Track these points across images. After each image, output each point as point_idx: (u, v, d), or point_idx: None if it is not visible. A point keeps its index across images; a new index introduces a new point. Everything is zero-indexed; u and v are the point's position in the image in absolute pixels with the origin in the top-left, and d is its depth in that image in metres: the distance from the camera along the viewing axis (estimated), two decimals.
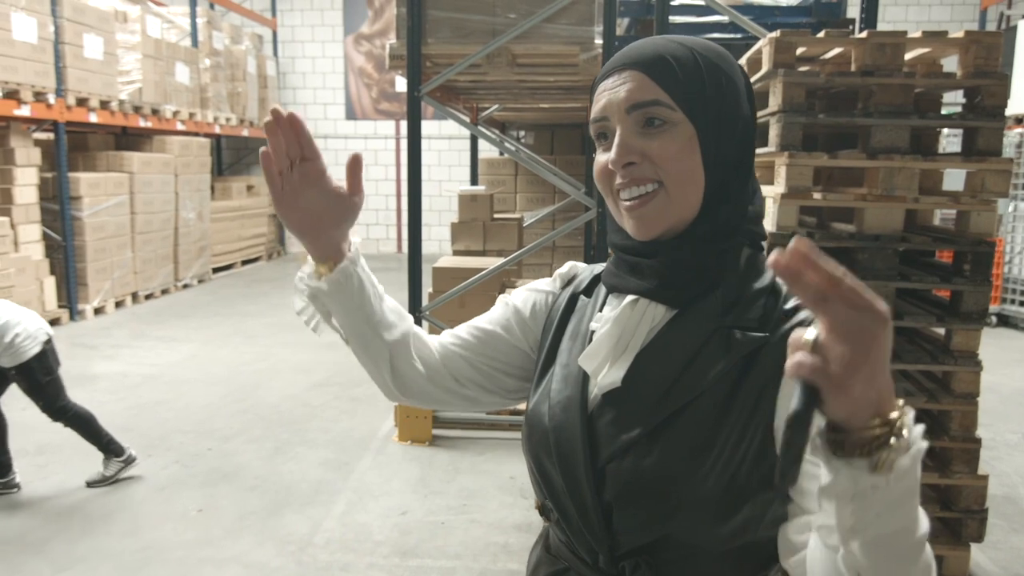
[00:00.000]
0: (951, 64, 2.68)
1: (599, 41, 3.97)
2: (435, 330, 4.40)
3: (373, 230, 12.73)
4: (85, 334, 6.75)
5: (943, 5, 11.64)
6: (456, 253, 5.41)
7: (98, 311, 7.54)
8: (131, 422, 4.47)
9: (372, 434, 4.36)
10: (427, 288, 4.48)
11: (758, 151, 2.82)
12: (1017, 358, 6.11)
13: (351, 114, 12.57)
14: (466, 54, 4.00)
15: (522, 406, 1.00)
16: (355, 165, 0.92)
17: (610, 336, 0.87)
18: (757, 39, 3.15)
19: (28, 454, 3.90)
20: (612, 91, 0.83)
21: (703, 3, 4.12)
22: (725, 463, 0.78)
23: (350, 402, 4.89)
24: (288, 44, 12.53)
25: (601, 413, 0.86)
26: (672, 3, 4.24)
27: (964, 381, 2.53)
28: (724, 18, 4.31)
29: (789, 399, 0.75)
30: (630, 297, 0.87)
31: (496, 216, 5.66)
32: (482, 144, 7.90)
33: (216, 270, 10.17)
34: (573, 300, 0.98)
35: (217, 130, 10.19)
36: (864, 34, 2.53)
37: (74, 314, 7.25)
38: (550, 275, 1.05)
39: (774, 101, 2.60)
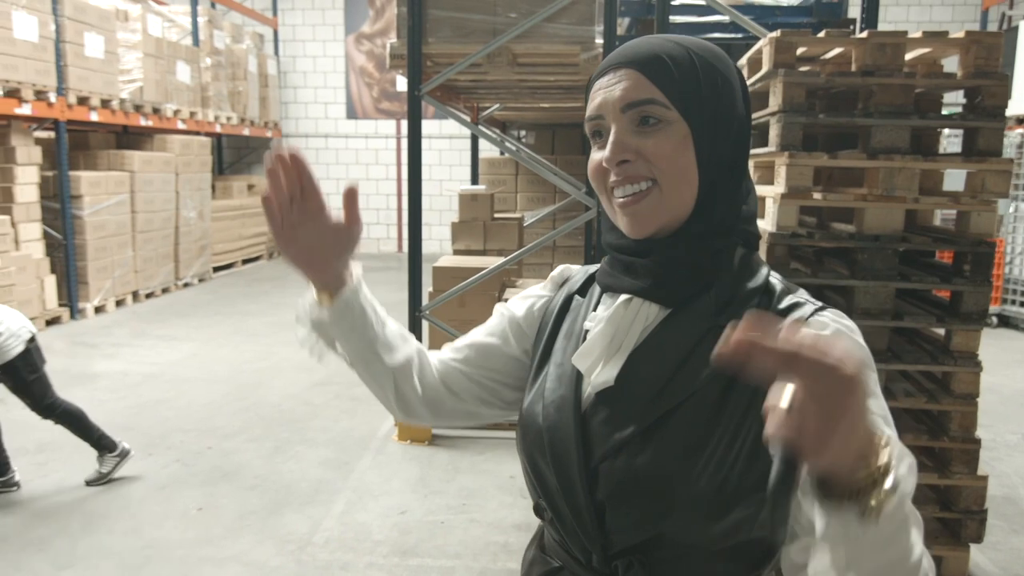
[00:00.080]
0: (952, 64, 2.68)
1: (600, 41, 3.98)
2: (435, 330, 4.41)
3: (374, 229, 12.73)
4: (86, 333, 6.76)
5: (944, 5, 11.63)
6: (456, 252, 5.41)
7: (99, 310, 7.55)
8: (132, 421, 4.48)
9: (372, 433, 4.36)
10: (427, 287, 4.48)
11: (758, 151, 2.82)
12: (1017, 359, 6.11)
13: (352, 113, 12.57)
14: (467, 53, 4.00)
15: None
16: (351, 197, 0.93)
17: (603, 335, 0.87)
18: (758, 39, 3.15)
19: (28, 452, 3.91)
20: (607, 89, 0.84)
21: (704, 3, 4.12)
22: (718, 463, 0.78)
23: (350, 401, 4.89)
24: (289, 43, 12.53)
25: (595, 412, 0.86)
26: (673, 3, 4.24)
27: (964, 382, 2.52)
28: (725, 18, 4.32)
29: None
30: (624, 296, 0.87)
31: (496, 216, 5.66)
32: (483, 144, 7.91)
33: (217, 269, 10.17)
34: (568, 300, 0.98)
35: (218, 129, 10.19)
36: (864, 34, 2.53)
37: (75, 313, 7.25)
38: (550, 274, 1.06)
39: (774, 101, 2.60)
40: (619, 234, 0.87)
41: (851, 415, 0.54)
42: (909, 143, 2.50)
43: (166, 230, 8.70)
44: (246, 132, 11.12)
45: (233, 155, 12.89)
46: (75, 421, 3.56)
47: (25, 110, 6.50)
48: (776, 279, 0.88)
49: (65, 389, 5.01)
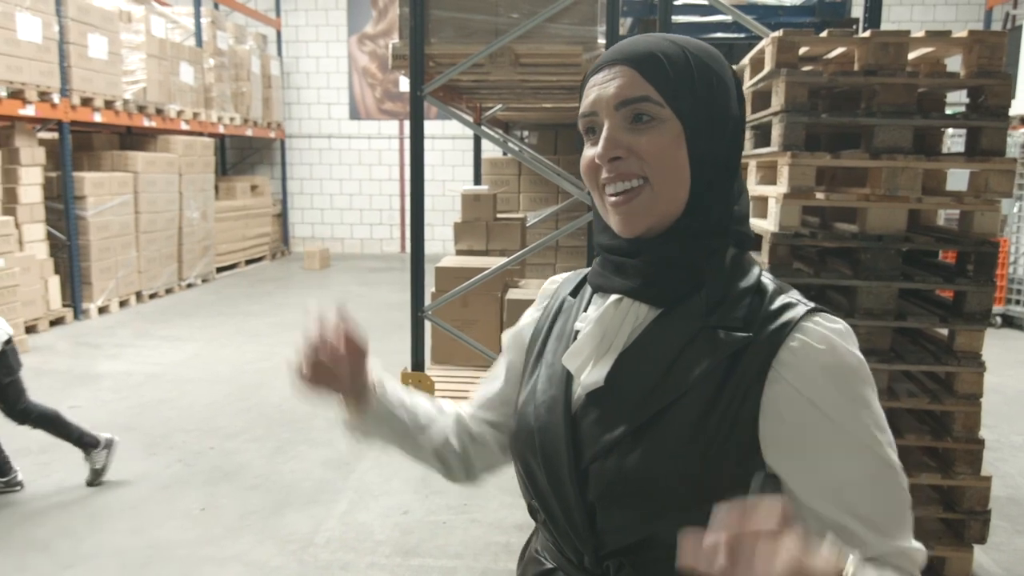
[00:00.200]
0: (955, 64, 2.67)
1: (602, 41, 3.98)
2: (437, 330, 4.41)
3: (377, 230, 12.74)
4: (89, 333, 6.77)
5: (948, 5, 11.60)
6: (459, 253, 5.41)
7: (102, 310, 7.56)
8: (134, 421, 4.48)
9: None
10: (430, 288, 4.48)
11: (761, 151, 2.81)
12: (1021, 359, 6.09)
13: (355, 114, 12.58)
14: (469, 54, 4.00)
15: None
16: (346, 323, 0.97)
17: (593, 336, 0.87)
18: (760, 39, 3.14)
19: (31, 452, 3.91)
20: (602, 86, 0.83)
21: (706, 3, 4.11)
22: (708, 464, 0.78)
23: None
24: (292, 44, 12.55)
25: (585, 413, 0.86)
26: (675, 3, 4.23)
27: (967, 382, 2.51)
28: (727, 18, 4.31)
29: (775, 402, 0.77)
30: (614, 296, 0.87)
31: (499, 216, 5.66)
32: (485, 144, 7.91)
33: (220, 269, 10.19)
34: (560, 305, 0.99)
35: (221, 130, 10.21)
36: (867, 33, 2.52)
37: (78, 313, 7.27)
38: (552, 275, 1.07)
39: (777, 101, 2.59)
40: (611, 235, 0.87)
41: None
42: (912, 143, 2.49)
43: (169, 231, 8.71)
44: (249, 133, 11.13)
45: (236, 156, 12.91)
46: (52, 423, 3.50)
47: (29, 111, 6.52)
48: (768, 279, 0.87)
49: (68, 389, 5.05)
